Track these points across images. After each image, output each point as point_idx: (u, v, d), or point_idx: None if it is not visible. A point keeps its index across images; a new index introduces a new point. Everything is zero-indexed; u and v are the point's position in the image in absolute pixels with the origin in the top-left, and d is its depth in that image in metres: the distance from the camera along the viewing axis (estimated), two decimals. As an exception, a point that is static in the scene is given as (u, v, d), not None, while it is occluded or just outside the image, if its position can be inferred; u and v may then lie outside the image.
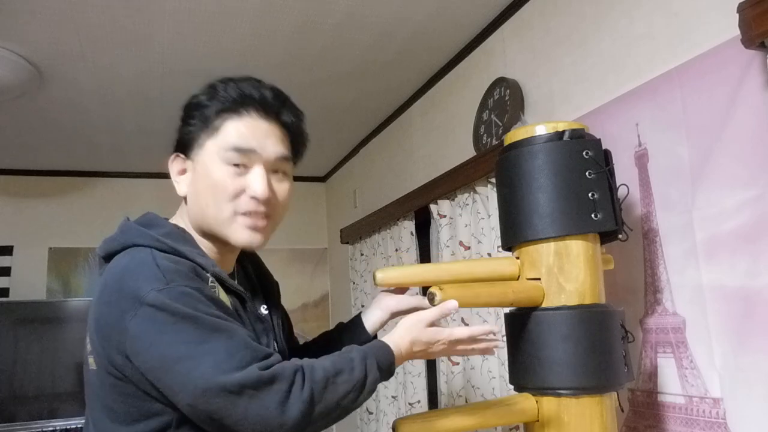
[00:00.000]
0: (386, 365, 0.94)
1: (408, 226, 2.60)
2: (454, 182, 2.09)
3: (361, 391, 0.90)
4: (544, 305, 1.07)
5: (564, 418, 1.01)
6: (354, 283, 3.24)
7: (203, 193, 0.97)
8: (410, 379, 2.52)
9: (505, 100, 1.88)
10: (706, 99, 1.20)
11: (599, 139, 1.10)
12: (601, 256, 1.12)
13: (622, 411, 1.33)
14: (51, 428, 2.97)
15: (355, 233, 3.19)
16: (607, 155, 1.11)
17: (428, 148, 2.52)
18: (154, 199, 3.66)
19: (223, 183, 0.95)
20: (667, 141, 1.28)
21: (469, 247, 2.03)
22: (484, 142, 2.00)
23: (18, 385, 3.02)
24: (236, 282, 1.05)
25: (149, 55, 2.14)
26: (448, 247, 2.15)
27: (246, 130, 0.97)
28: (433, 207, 2.28)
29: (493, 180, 1.86)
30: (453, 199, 2.16)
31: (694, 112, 1.22)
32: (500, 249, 1.76)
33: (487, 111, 2.00)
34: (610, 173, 1.09)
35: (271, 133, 0.99)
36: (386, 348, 0.95)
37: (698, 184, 1.21)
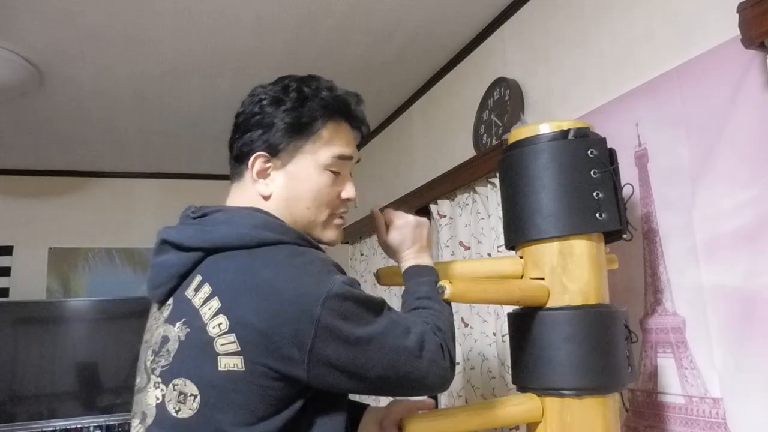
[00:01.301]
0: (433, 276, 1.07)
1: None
2: (454, 182, 2.09)
3: (450, 315, 1.03)
4: (547, 305, 1.07)
5: (567, 419, 1.02)
6: (354, 282, 3.23)
7: (303, 197, 1.02)
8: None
9: (505, 100, 1.88)
10: (706, 99, 1.20)
11: (604, 138, 1.10)
12: (605, 255, 1.12)
13: (626, 411, 1.33)
14: (51, 428, 2.97)
15: (355, 233, 3.19)
16: (611, 154, 1.10)
17: (428, 148, 2.52)
18: (154, 199, 3.67)
19: (326, 189, 1.03)
20: (667, 141, 1.28)
21: (469, 247, 2.04)
22: (484, 142, 2.00)
23: (18, 385, 3.02)
24: None
25: (149, 55, 2.14)
26: (448, 247, 2.15)
27: (346, 139, 1.06)
28: (433, 207, 2.28)
29: (493, 180, 1.86)
30: (453, 199, 2.17)
31: (694, 112, 1.22)
32: (500, 249, 1.76)
33: (487, 111, 2.00)
34: (615, 172, 1.09)
35: (355, 140, 1.10)
36: (420, 268, 1.07)
37: (698, 184, 1.21)
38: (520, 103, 1.82)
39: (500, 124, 1.90)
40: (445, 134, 2.37)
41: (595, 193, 1.05)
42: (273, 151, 1.01)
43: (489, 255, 1.90)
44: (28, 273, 3.40)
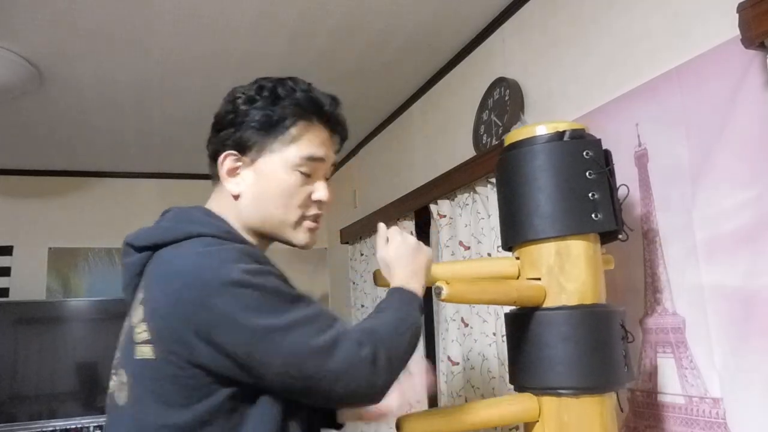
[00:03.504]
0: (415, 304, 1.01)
1: (408, 226, 2.60)
2: (454, 182, 2.09)
3: (418, 329, 0.97)
4: (544, 305, 1.07)
5: (564, 418, 1.02)
6: (354, 283, 3.24)
7: (271, 196, 1.01)
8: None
9: (504, 100, 1.88)
10: (706, 99, 1.20)
11: (599, 140, 1.11)
12: (601, 256, 1.12)
13: (622, 411, 1.33)
14: (51, 428, 2.98)
15: (355, 233, 3.19)
16: (607, 155, 1.11)
17: (428, 148, 2.52)
18: (154, 199, 3.67)
19: (295, 190, 1.00)
20: (667, 141, 1.28)
21: (469, 247, 2.03)
22: (484, 142, 2.00)
23: (18, 385, 3.02)
24: None
25: (149, 55, 2.15)
26: (447, 247, 2.15)
27: (318, 140, 1.03)
28: (433, 207, 2.28)
29: (493, 180, 1.86)
30: (453, 199, 2.16)
31: (694, 112, 1.22)
32: (500, 249, 1.76)
33: (487, 111, 2.00)
34: (611, 173, 1.09)
35: (331, 141, 1.06)
36: (404, 293, 1.01)
37: (698, 184, 1.21)
38: (520, 103, 1.82)
39: (500, 124, 1.90)
40: (445, 134, 2.37)
41: (590, 194, 1.06)
42: (242, 149, 1.01)
43: (489, 255, 1.90)
44: (28, 273, 3.41)
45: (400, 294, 1.00)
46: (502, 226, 1.17)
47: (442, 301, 1.00)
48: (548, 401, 1.03)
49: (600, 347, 1.03)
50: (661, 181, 1.30)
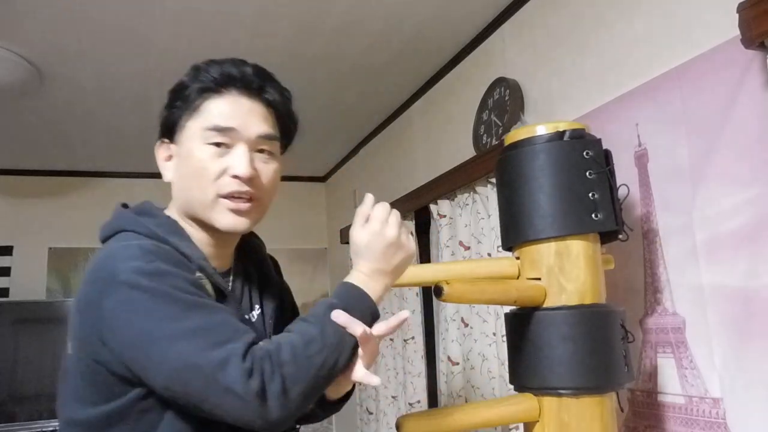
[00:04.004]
0: (362, 308, 0.87)
1: (408, 226, 2.60)
2: (454, 182, 2.09)
3: (344, 347, 0.84)
4: (544, 305, 1.07)
5: (564, 418, 1.02)
6: (354, 283, 3.23)
7: (187, 176, 0.95)
8: (410, 379, 2.52)
9: (504, 100, 1.88)
10: (706, 99, 1.20)
11: (599, 139, 1.10)
12: (601, 255, 1.12)
13: (622, 411, 1.33)
14: (51, 428, 2.97)
15: (355, 233, 3.19)
16: (607, 155, 1.11)
17: (428, 148, 2.52)
18: (154, 199, 3.65)
19: (204, 164, 0.92)
20: (667, 141, 1.28)
21: (469, 247, 2.03)
22: (484, 142, 2.00)
23: (18, 385, 3.02)
24: (231, 279, 1.03)
25: (149, 55, 2.14)
26: (448, 247, 2.15)
27: (227, 109, 0.94)
28: (433, 207, 2.28)
29: (493, 180, 1.86)
30: (453, 199, 2.16)
31: (694, 112, 1.22)
32: (500, 249, 1.76)
33: (486, 111, 2.00)
34: (611, 173, 1.09)
35: (254, 111, 0.96)
36: (353, 290, 0.89)
37: (698, 184, 1.21)
38: (520, 103, 1.82)
39: (500, 124, 1.90)
40: (445, 134, 2.37)
41: (590, 194, 1.06)
42: (168, 134, 0.98)
43: (489, 255, 1.90)
44: (28, 273, 3.40)
45: (343, 294, 0.89)
46: (502, 226, 1.17)
47: (442, 301, 1.00)
48: (548, 401, 1.03)
49: (600, 347, 1.03)
50: (661, 181, 1.30)
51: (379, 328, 0.89)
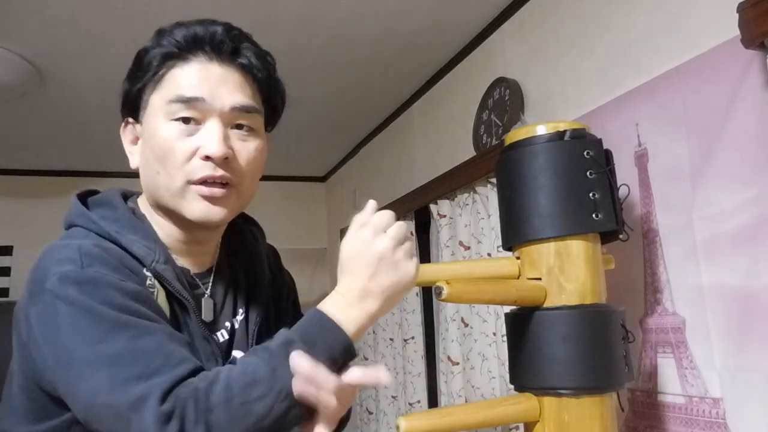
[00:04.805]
0: (330, 345, 0.69)
1: (408, 226, 2.60)
2: (454, 182, 2.09)
3: (294, 401, 0.65)
4: (545, 305, 1.07)
5: (564, 418, 1.02)
6: (354, 283, 3.23)
7: (151, 159, 0.80)
8: (410, 379, 2.52)
9: (505, 100, 1.88)
10: (706, 99, 1.20)
11: (600, 139, 1.10)
12: (601, 255, 1.12)
13: (622, 411, 1.33)
14: (51, 428, 2.97)
15: (355, 233, 3.19)
16: (608, 155, 1.10)
17: (428, 148, 2.52)
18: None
19: (170, 144, 0.77)
20: (667, 141, 1.28)
21: (469, 247, 2.03)
22: (484, 142, 2.00)
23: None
24: (210, 281, 0.90)
25: (149, 55, 2.14)
26: (448, 247, 2.15)
27: (193, 77, 0.79)
28: (433, 207, 2.28)
29: (493, 180, 1.86)
30: (453, 199, 2.16)
31: (694, 112, 1.22)
32: (500, 249, 1.76)
33: (487, 111, 2.00)
34: (611, 173, 1.09)
35: (227, 78, 0.80)
36: (322, 320, 0.71)
37: (698, 184, 1.21)
38: (520, 103, 1.82)
39: (500, 124, 1.90)
40: (445, 134, 2.37)
41: (591, 194, 1.06)
42: (132, 113, 0.84)
43: (489, 255, 1.90)
44: (28, 273, 3.40)
45: (307, 326, 0.71)
46: (502, 226, 1.17)
47: (442, 301, 1.00)
48: (548, 401, 1.03)
49: (600, 347, 1.03)
50: (661, 181, 1.30)
51: (352, 374, 0.70)
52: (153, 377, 0.65)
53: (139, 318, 0.70)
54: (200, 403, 0.64)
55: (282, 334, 0.71)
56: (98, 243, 0.77)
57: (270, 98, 0.87)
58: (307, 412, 0.68)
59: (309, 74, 2.36)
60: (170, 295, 0.80)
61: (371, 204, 0.79)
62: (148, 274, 0.79)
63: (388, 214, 0.77)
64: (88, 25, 1.92)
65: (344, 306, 0.73)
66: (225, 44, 0.82)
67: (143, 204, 0.88)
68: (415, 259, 0.77)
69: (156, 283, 0.79)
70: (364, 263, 0.73)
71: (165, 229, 0.85)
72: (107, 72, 2.26)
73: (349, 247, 0.76)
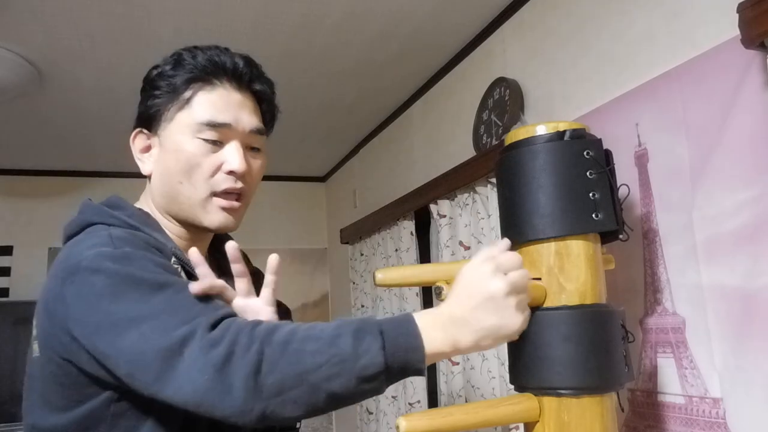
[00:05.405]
0: (400, 349, 0.70)
1: (408, 226, 2.60)
2: (454, 182, 2.09)
3: (348, 369, 0.67)
4: (544, 305, 1.06)
5: (564, 418, 1.01)
6: (354, 283, 3.24)
7: (175, 171, 0.90)
8: (410, 378, 2.52)
9: (505, 100, 1.88)
10: (706, 99, 1.20)
11: (600, 139, 1.10)
12: (601, 255, 1.12)
13: (622, 411, 1.33)
14: (51, 428, 2.97)
15: (355, 233, 3.19)
16: (608, 155, 1.10)
17: (428, 148, 2.52)
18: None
19: (197, 159, 0.88)
20: (667, 141, 1.28)
21: (469, 247, 2.03)
22: (484, 142, 2.00)
23: (18, 385, 3.00)
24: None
25: (149, 54, 2.14)
26: (448, 247, 2.15)
27: (220, 103, 0.90)
28: (432, 207, 2.28)
29: (493, 180, 1.86)
30: (453, 199, 2.17)
31: (694, 113, 1.22)
32: (500, 249, 1.76)
33: (487, 111, 2.00)
34: (611, 173, 1.09)
35: (245, 104, 0.93)
36: (406, 325, 0.72)
37: (698, 184, 1.21)
38: (520, 103, 1.82)
39: (500, 124, 1.90)
40: (445, 134, 2.37)
41: (591, 194, 1.05)
42: (146, 124, 0.95)
43: (489, 255, 1.90)
44: (28, 273, 3.40)
45: (391, 323, 0.72)
46: (502, 226, 1.17)
47: (442, 301, 1.00)
48: (548, 401, 1.03)
49: (600, 347, 1.02)
50: (661, 181, 1.30)
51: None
52: (197, 318, 0.70)
53: (172, 277, 0.77)
54: (257, 335, 0.68)
55: (370, 317, 0.75)
56: (126, 230, 0.85)
57: (270, 120, 1.01)
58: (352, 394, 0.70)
59: (309, 74, 2.36)
60: (189, 277, 0.87)
61: (505, 242, 0.86)
62: (170, 255, 0.87)
63: (516, 258, 0.81)
64: (88, 25, 1.92)
65: (434, 325, 0.75)
66: (245, 74, 0.94)
67: (147, 207, 0.97)
68: (527, 313, 0.80)
69: (178, 262, 0.87)
70: (472, 295, 0.76)
71: (169, 228, 0.95)
72: (107, 72, 2.26)
73: (466, 275, 0.79)
